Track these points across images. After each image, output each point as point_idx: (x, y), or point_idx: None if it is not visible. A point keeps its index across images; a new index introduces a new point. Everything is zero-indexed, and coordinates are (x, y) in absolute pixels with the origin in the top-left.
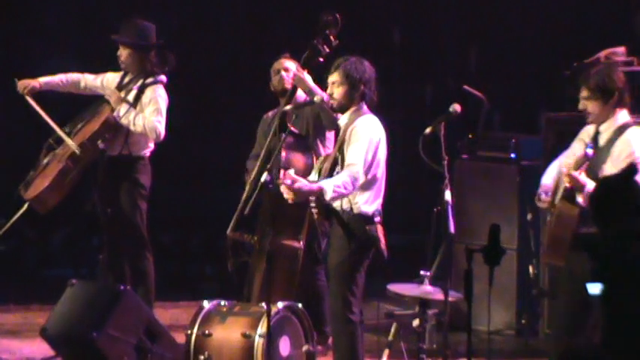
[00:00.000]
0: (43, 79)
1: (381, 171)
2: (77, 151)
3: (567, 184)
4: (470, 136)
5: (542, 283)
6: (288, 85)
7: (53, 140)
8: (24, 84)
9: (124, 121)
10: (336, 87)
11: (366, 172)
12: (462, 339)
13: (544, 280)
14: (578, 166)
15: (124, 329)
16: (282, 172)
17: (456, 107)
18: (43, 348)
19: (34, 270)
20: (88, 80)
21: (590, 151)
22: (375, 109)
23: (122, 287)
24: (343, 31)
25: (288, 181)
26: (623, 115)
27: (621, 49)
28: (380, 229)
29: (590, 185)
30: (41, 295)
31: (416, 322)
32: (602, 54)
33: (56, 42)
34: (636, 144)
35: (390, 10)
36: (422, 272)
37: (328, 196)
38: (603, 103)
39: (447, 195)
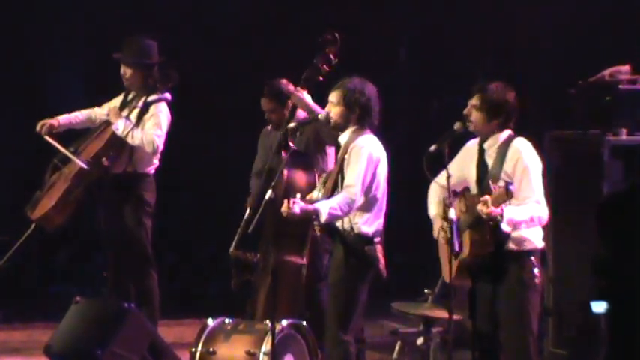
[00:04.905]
0: (62, 118)
1: (381, 191)
2: (85, 167)
3: (484, 216)
4: None
5: (546, 301)
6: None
7: (58, 160)
8: (42, 122)
9: (122, 133)
10: (333, 106)
11: (366, 193)
12: (467, 357)
13: (549, 298)
14: (498, 204)
15: (129, 347)
16: (289, 200)
17: (461, 125)
18: None
19: (38, 287)
20: (97, 112)
21: (512, 188)
22: (379, 128)
23: (127, 305)
24: (348, 47)
25: (297, 209)
26: (506, 134)
27: (626, 68)
28: (379, 249)
29: (506, 212)
30: (45, 313)
31: (420, 340)
32: (607, 72)
33: (64, 59)
34: (524, 150)
35: (397, 27)
36: (426, 290)
37: (323, 218)
38: (488, 119)
39: (452, 213)
